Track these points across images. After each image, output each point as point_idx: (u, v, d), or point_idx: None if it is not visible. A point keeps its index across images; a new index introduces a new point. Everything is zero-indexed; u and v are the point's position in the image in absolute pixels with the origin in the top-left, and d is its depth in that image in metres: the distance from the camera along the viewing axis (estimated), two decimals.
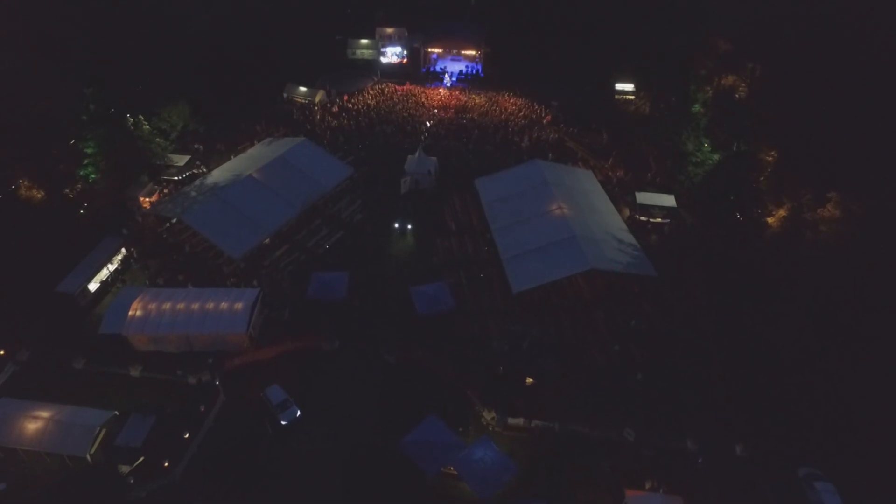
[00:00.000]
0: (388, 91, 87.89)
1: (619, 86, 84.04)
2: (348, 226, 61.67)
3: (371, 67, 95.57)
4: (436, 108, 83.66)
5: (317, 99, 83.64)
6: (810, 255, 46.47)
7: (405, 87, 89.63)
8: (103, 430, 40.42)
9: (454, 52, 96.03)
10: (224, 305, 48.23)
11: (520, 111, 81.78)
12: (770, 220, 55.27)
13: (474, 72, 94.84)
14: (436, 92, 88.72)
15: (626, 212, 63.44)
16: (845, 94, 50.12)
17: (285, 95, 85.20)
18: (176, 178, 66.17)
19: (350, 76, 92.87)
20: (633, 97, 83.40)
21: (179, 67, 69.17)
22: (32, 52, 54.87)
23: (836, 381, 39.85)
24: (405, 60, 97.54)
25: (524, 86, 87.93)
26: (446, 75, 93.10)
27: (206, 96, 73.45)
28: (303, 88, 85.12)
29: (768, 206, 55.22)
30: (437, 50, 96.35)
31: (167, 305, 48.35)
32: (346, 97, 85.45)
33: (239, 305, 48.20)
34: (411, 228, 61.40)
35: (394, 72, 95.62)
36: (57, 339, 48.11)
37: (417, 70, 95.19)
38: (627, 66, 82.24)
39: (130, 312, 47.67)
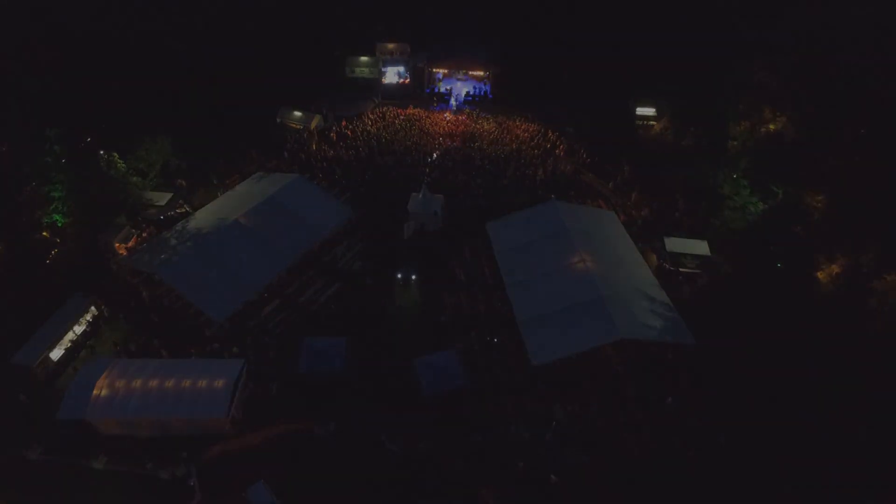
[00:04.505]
0: (389, 116, 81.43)
1: (640, 110, 77.63)
2: (346, 275, 55.51)
3: (371, 88, 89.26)
4: (441, 135, 77.13)
5: (312, 125, 77.38)
6: (879, 324, 40.26)
7: (408, 111, 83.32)
8: None
9: (461, 72, 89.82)
10: (202, 383, 41.97)
11: (532, 139, 75.40)
12: (820, 275, 49.19)
13: (482, 93, 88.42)
14: (441, 116, 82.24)
15: (653, 259, 57.31)
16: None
17: (278, 120, 79.00)
18: (157, 219, 59.92)
19: (348, 98, 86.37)
20: (654, 122, 77.13)
21: (161, 90, 62.83)
22: None
23: None
24: (406, 80, 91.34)
25: (536, 107, 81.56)
26: (452, 97, 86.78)
27: (191, 122, 66.88)
28: (297, 113, 78.88)
29: (819, 259, 49.10)
30: (442, 70, 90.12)
31: (137, 382, 42.10)
32: (343, 122, 79.08)
33: (220, 383, 41.94)
34: (416, 279, 55.22)
35: (395, 93, 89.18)
36: (9, 422, 41.89)
37: (421, 91, 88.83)
38: (649, 87, 75.95)
39: (95, 391, 41.41)
